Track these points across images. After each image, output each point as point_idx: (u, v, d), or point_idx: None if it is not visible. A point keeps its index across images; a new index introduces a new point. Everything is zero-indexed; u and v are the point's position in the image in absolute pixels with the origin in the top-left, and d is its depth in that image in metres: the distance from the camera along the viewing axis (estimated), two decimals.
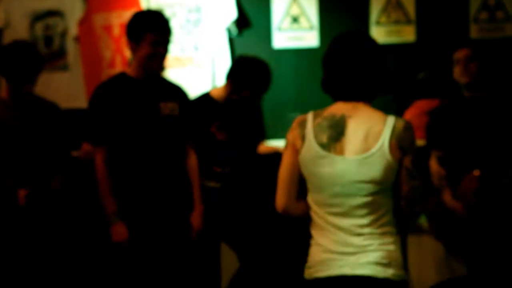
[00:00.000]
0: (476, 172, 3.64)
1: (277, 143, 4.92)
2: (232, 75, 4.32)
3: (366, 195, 2.18)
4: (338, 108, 2.29)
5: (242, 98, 4.30)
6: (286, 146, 2.32)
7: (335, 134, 2.23)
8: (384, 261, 2.19)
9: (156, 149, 3.74)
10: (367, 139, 2.20)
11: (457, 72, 4.15)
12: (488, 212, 3.66)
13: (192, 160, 3.94)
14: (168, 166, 3.79)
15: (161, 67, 3.89)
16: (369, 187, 2.18)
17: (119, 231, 3.66)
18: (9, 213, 3.88)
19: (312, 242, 2.29)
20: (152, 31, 3.66)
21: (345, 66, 2.26)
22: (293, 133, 2.31)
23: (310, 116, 2.29)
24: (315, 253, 2.27)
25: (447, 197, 3.98)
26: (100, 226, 3.88)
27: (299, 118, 2.33)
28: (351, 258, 2.18)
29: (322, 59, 2.35)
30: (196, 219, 3.91)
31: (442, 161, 3.89)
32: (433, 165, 3.95)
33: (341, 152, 2.22)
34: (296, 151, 2.28)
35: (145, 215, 3.71)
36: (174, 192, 3.82)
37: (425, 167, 4.01)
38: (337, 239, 2.21)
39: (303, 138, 2.26)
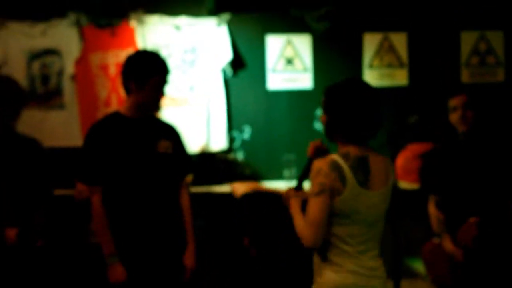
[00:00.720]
0: (473, 219, 3.65)
1: (271, 184, 4.90)
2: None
3: (382, 223, 2.56)
4: (354, 150, 2.51)
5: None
6: (323, 191, 2.43)
7: (366, 173, 2.49)
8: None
9: (152, 187, 3.70)
10: (386, 175, 2.53)
11: (454, 119, 4.19)
12: (488, 258, 3.67)
13: (185, 199, 3.91)
14: (162, 204, 3.74)
15: (157, 109, 3.85)
16: (383, 216, 2.55)
17: (117, 272, 3.62)
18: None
19: (336, 268, 2.52)
20: (159, 75, 3.66)
21: (360, 113, 2.47)
22: (330, 177, 2.43)
23: (339, 159, 2.46)
24: (345, 277, 2.51)
25: (447, 243, 3.98)
26: (95, 266, 3.83)
27: (326, 163, 2.45)
28: (375, 281, 2.54)
29: (328, 106, 2.54)
30: (189, 258, 3.85)
31: (440, 205, 3.90)
32: (432, 209, 3.96)
33: (372, 188, 2.49)
34: (334, 193, 2.44)
35: (139, 255, 3.66)
36: (168, 231, 3.77)
37: (424, 211, 4.03)
38: (361, 264, 2.51)
39: (342, 180, 2.44)
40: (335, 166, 2.46)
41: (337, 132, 2.54)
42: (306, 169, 2.72)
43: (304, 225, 2.48)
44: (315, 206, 2.46)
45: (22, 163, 3.95)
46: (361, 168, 2.51)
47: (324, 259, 2.54)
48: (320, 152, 2.71)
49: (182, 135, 3.97)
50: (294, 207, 2.72)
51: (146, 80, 3.65)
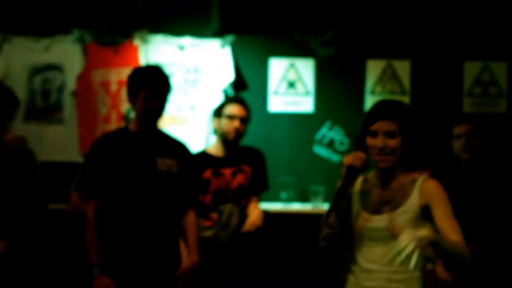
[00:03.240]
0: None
1: (268, 206, 4.87)
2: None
3: None
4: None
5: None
6: None
7: None
8: None
9: (149, 205, 3.67)
10: None
11: (458, 147, 4.23)
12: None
13: (191, 219, 3.84)
14: (159, 224, 3.71)
15: (155, 122, 3.81)
16: None
17: (102, 283, 3.59)
18: None
19: None
20: (146, 87, 3.66)
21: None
22: None
23: None
24: None
25: (440, 269, 3.94)
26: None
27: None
28: None
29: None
30: (187, 270, 3.78)
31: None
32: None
33: None
34: None
35: (131, 272, 3.64)
36: (164, 251, 3.74)
37: None
38: None
39: None
40: None
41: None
42: (340, 194, 2.58)
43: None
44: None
45: (13, 175, 3.94)
46: None
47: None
48: (354, 172, 2.58)
49: (190, 154, 3.95)
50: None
51: (136, 93, 3.66)
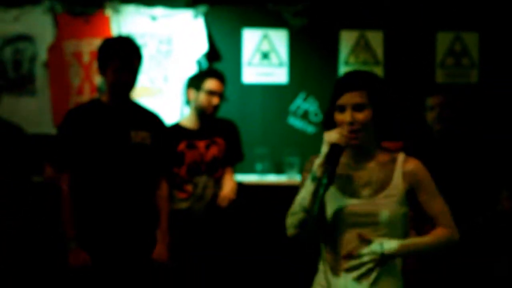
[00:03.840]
0: None
1: (243, 177, 4.94)
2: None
3: None
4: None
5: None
6: None
7: None
8: None
9: (122, 177, 3.71)
10: None
11: (431, 118, 4.29)
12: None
13: (163, 192, 3.88)
14: (134, 196, 3.74)
15: (127, 94, 3.84)
16: None
17: (79, 257, 3.61)
18: None
19: None
20: (116, 58, 3.69)
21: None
22: None
23: None
24: None
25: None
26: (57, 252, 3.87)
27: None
28: None
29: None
30: (160, 252, 3.85)
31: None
32: None
33: None
34: None
35: (106, 244, 3.67)
36: (137, 224, 3.76)
37: None
38: None
39: None
40: None
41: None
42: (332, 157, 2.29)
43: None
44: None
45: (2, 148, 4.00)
46: None
47: None
48: (338, 150, 2.32)
49: (164, 126, 3.99)
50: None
51: (106, 63, 3.70)
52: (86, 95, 5.21)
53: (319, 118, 5.41)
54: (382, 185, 2.34)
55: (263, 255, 4.92)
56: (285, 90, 5.45)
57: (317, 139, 5.66)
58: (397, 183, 2.33)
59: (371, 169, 2.36)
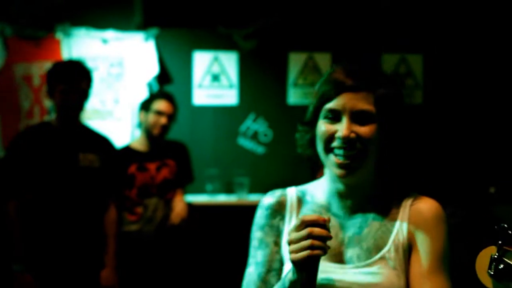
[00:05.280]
0: None
1: (194, 198, 4.93)
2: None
3: None
4: None
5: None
6: None
7: None
8: None
9: (70, 200, 3.68)
10: None
11: None
12: None
13: (111, 214, 3.87)
14: (81, 219, 3.72)
15: (75, 116, 3.82)
16: None
17: (22, 280, 3.59)
18: None
19: None
20: (62, 81, 3.67)
21: None
22: None
23: None
24: None
25: None
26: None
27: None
28: None
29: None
30: (108, 276, 3.84)
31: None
32: None
33: None
34: None
35: (53, 267, 3.65)
36: (86, 246, 3.75)
37: None
38: None
39: None
40: None
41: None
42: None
43: None
44: None
45: None
46: None
47: None
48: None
49: (113, 148, 4.01)
50: None
51: (54, 87, 3.70)
52: (36, 118, 5.17)
53: (268, 138, 5.45)
54: (378, 244, 1.57)
55: (213, 274, 4.93)
56: (235, 111, 5.47)
57: (266, 159, 5.70)
58: (400, 234, 1.57)
59: (370, 221, 1.60)
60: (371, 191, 1.62)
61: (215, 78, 5.47)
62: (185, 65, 5.45)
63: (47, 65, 4.92)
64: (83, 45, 5.29)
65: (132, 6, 5.25)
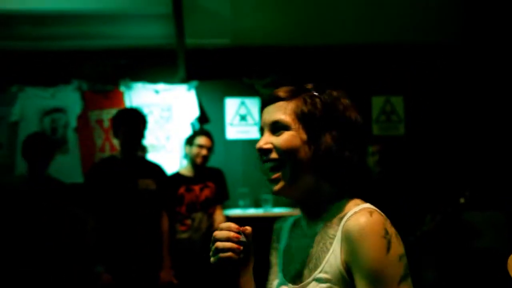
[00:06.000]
0: None
1: (230, 212, 4.88)
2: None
3: None
4: None
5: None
6: (408, 272, 1.24)
7: None
8: None
9: (133, 215, 3.76)
10: None
11: (372, 162, 4.31)
12: None
13: (165, 226, 3.96)
14: (142, 229, 3.79)
15: (134, 150, 3.87)
16: None
17: (105, 278, 3.65)
18: None
19: None
20: (124, 125, 3.77)
21: None
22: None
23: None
24: None
25: None
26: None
27: (384, 218, 1.24)
28: None
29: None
30: (166, 272, 3.88)
31: None
32: None
33: None
34: None
35: (124, 268, 3.73)
36: (146, 250, 3.80)
37: None
38: None
39: None
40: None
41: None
42: None
43: None
44: None
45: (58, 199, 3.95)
46: None
47: None
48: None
49: (165, 173, 4.07)
50: None
51: (118, 129, 3.80)
52: (107, 152, 5.27)
53: None
54: (316, 264, 1.29)
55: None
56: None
57: None
58: (334, 256, 1.26)
59: (317, 237, 1.32)
60: (318, 205, 1.34)
61: (243, 118, 5.48)
62: (219, 109, 5.51)
63: (114, 111, 4.88)
64: (141, 95, 5.38)
65: (177, 65, 5.21)
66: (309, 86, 1.38)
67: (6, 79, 5.32)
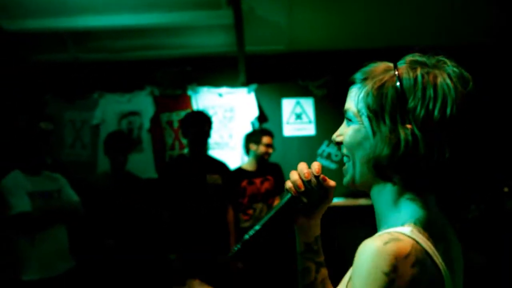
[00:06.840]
0: None
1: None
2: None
3: None
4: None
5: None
6: None
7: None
8: None
9: (202, 207, 3.86)
10: None
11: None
12: None
13: (230, 216, 4.07)
14: (211, 220, 3.89)
15: (202, 148, 3.97)
16: None
17: (177, 263, 3.77)
18: None
19: None
20: (192, 126, 3.90)
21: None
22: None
23: (426, 242, 1.04)
24: None
25: None
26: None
27: (413, 255, 0.99)
28: None
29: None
30: (233, 262, 4.01)
31: None
32: None
33: None
34: None
35: (195, 255, 3.84)
36: (215, 238, 3.91)
37: None
38: None
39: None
40: (425, 264, 1.01)
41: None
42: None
43: None
44: None
45: (136, 191, 4.12)
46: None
47: None
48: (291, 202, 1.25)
49: (229, 169, 4.22)
50: None
51: (188, 130, 3.96)
52: (176, 151, 5.41)
53: (338, 157, 5.40)
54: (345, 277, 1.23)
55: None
56: (313, 139, 5.54)
57: (337, 173, 5.86)
58: (348, 275, 1.21)
59: None
60: (384, 213, 1.12)
61: (298, 116, 5.54)
62: (276, 109, 5.61)
63: (182, 113, 5.28)
64: (206, 98, 5.52)
65: (238, 70, 5.35)
66: (407, 59, 1.08)
67: (88, 87, 5.52)
